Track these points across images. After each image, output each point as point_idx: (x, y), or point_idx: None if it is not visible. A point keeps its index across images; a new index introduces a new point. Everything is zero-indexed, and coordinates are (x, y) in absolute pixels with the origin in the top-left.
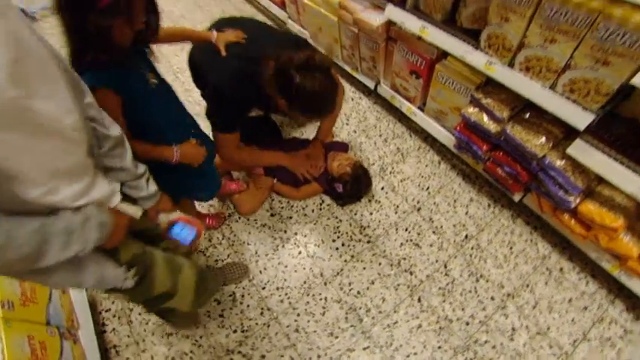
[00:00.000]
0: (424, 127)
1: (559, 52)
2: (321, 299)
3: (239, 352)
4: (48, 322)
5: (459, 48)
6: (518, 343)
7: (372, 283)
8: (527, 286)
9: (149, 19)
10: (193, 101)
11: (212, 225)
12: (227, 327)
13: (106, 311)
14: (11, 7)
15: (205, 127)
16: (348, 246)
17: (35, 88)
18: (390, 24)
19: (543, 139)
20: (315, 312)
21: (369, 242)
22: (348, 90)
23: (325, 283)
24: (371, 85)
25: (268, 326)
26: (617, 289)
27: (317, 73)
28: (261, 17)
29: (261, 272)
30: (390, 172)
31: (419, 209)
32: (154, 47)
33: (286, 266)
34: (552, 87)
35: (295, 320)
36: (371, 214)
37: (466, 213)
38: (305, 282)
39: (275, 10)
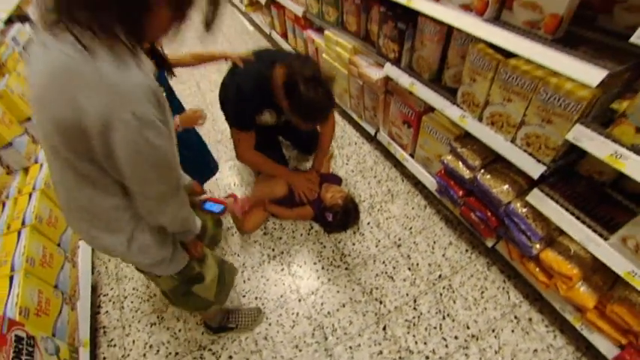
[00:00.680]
0: (414, 173)
1: (515, 110)
2: (293, 313)
3: (209, 350)
4: (56, 286)
5: (440, 103)
6: None
7: (343, 306)
8: (494, 330)
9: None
10: (217, 129)
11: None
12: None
13: (104, 295)
14: None
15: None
16: (327, 270)
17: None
18: (387, 79)
19: (509, 187)
20: (285, 324)
21: (346, 269)
22: (353, 135)
23: (299, 300)
24: (372, 131)
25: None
26: (584, 347)
27: (319, 87)
28: None
29: (244, 282)
30: (378, 210)
31: (399, 246)
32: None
33: (268, 280)
34: (513, 140)
35: (266, 329)
36: (353, 244)
37: (443, 255)
38: (282, 296)
39: None
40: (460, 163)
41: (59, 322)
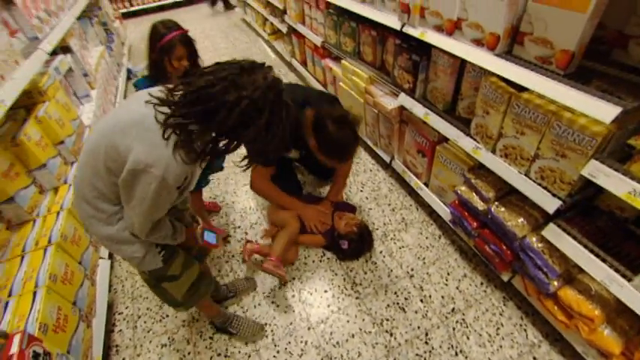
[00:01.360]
0: (428, 202)
1: (528, 143)
2: (301, 342)
3: None
4: (75, 303)
5: (453, 133)
6: None
7: (352, 336)
8: None
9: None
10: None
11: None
12: (213, 349)
13: (119, 314)
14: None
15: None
16: (338, 298)
17: None
18: (402, 108)
19: (524, 220)
20: (293, 352)
21: (357, 298)
22: (369, 162)
23: (309, 328)
24: (387, 159)
25: (249, 356)
26: None
27: (347, 128)
28: None
29: (255, 307)
30: (392, 239)
31: (411, 276)
32: None
33: (278, 305)
34: (527, 173)
35: (274, 356)
36: (365, 273)
37: (457, 287)
38: (291, 323)
39: (317, 86)
40: (474, 194)
41: (74, 340)
